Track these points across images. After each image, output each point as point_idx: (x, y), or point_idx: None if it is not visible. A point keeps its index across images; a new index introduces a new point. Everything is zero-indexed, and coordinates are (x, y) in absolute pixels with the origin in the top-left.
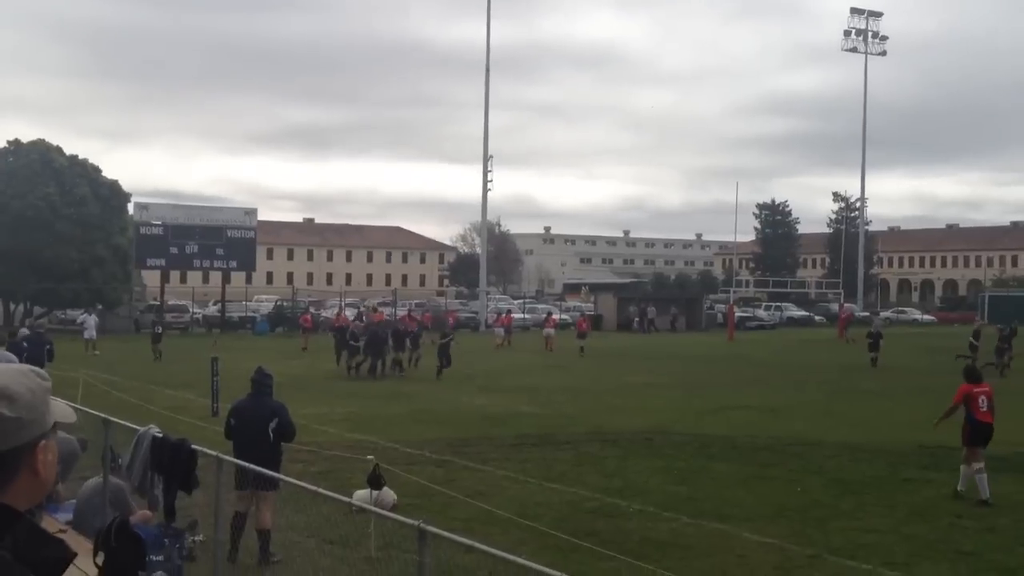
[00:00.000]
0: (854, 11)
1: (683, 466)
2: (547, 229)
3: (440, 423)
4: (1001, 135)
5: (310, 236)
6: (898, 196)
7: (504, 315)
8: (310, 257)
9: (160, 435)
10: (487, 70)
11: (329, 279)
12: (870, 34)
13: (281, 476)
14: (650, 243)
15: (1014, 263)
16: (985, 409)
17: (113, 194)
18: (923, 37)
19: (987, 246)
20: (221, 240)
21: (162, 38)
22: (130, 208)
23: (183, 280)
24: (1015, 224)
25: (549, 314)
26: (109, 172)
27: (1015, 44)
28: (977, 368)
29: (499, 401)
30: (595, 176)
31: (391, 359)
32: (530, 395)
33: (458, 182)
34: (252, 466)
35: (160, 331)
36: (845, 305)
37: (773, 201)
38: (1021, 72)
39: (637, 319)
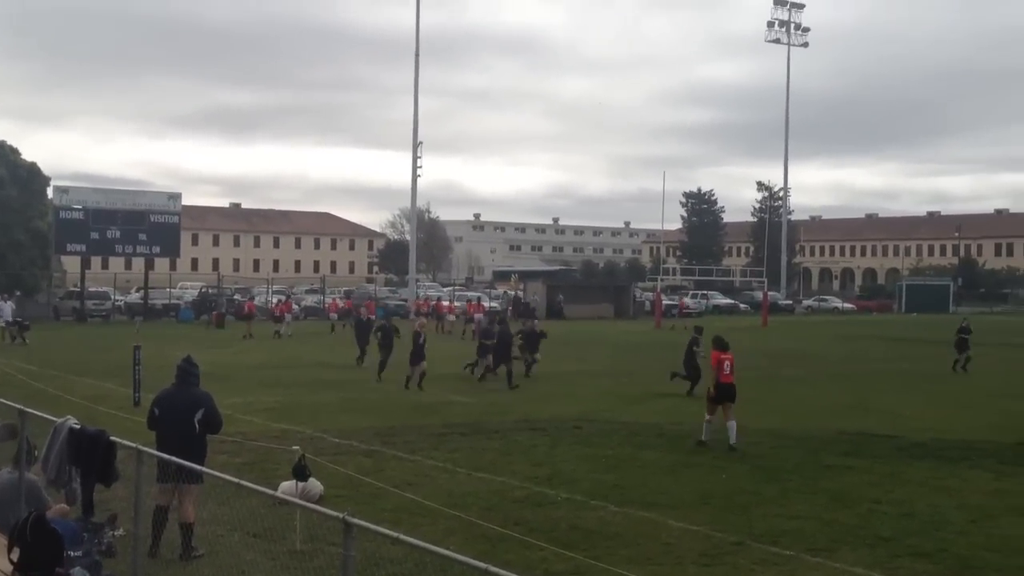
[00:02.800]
0: (777, 2)
1: (611, 454)
2: (477, 216)
3: (369, 412)
4: (917, 127)
5: (236, 221)
6: (818, 186)
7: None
8: (236, 243)
9: (78, 426)
10: (416, 56)
11: (256, 265)
12: (792, 26)
13: (203, 469)
14: (579, 231)
15: (930, 252)
16: (728, 372)
17: (32, 177)
18: (843, 29)
19: (904, 236)
20: (144, 225)
21: (80, 15)
22: (49, 192)
23: (104, 266)
24: (931, 214)
25: (479, 300)
26: (27, 155)
27: (930, 36)
28: (722, 340)
29: (429, 389)
30: (522, 163)
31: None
32: (460, 383)
33: (387, 168)
34: (174, 458)
35: (26, 323)
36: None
37: (699, 190)
38: (935, 64)
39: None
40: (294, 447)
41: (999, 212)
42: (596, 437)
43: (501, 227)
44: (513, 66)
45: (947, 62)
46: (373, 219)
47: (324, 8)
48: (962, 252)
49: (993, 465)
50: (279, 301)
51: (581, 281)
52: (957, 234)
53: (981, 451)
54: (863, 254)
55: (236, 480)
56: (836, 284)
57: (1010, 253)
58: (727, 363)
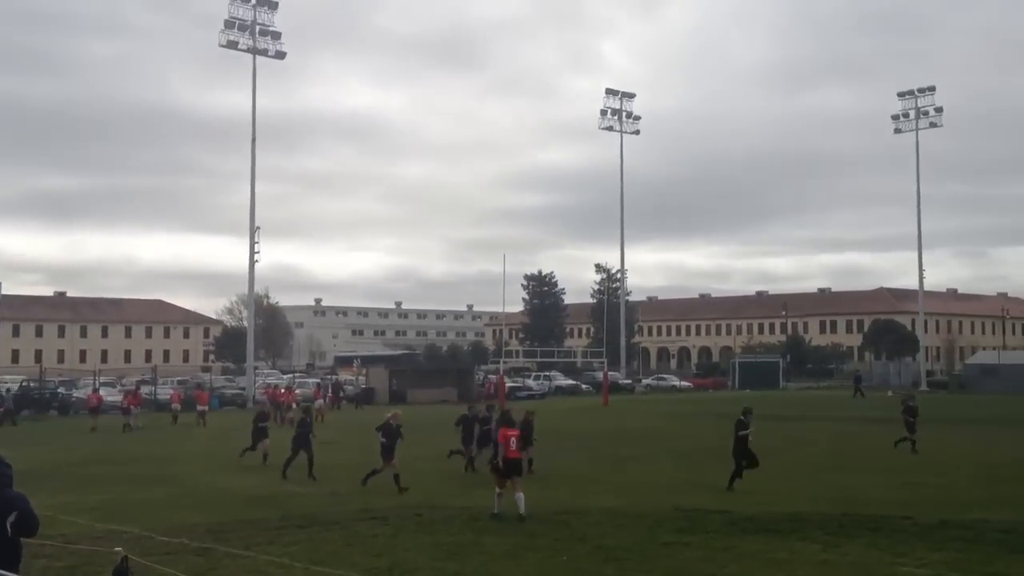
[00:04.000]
0: (609, 92)
1: (452, 541)
2: (318, 301)
3: (201, 507)
4: (742, 209)
5: (61, 311)
6: (653, 267)
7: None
8: (61, 333)
9: None
10: (253, 140)
11: (83, 356)
12: (624, 114)
13: None
14: (422, 315)
15: (760, 330)
16: (514, 447)
17: None
18: (671, 117)
19: (735, 315)
20: None
21: None
22: None
23: None
24: (759, 294)
25: (317, 386)
26: None
27: (748, 125)
28: (508, 417)
29: (265, 481)
30: (363, 247)
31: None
32: (298, 472)
33: (223, 253)
34: None
35: None
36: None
37: (540, 272)
38: (755, 151)
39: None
40: (117, 548)
41: (822, 291)
42: (438, 524)
43: (343, 312)
44: (351, 151)
45: (764, 149)
46: (209, 306)
47: (154, 91)
48: (790, 330)
49: (820, 537)
50: (128, 392)
51: (424, 365)
52: (784, 312)
53: (809, 523)
54: (698, 333)
55: None
56: (674, 362)
57: (833, 330)
58: (513, 439)
